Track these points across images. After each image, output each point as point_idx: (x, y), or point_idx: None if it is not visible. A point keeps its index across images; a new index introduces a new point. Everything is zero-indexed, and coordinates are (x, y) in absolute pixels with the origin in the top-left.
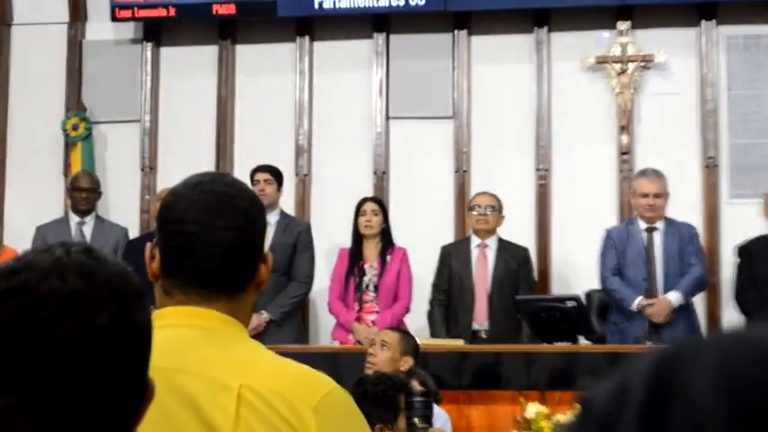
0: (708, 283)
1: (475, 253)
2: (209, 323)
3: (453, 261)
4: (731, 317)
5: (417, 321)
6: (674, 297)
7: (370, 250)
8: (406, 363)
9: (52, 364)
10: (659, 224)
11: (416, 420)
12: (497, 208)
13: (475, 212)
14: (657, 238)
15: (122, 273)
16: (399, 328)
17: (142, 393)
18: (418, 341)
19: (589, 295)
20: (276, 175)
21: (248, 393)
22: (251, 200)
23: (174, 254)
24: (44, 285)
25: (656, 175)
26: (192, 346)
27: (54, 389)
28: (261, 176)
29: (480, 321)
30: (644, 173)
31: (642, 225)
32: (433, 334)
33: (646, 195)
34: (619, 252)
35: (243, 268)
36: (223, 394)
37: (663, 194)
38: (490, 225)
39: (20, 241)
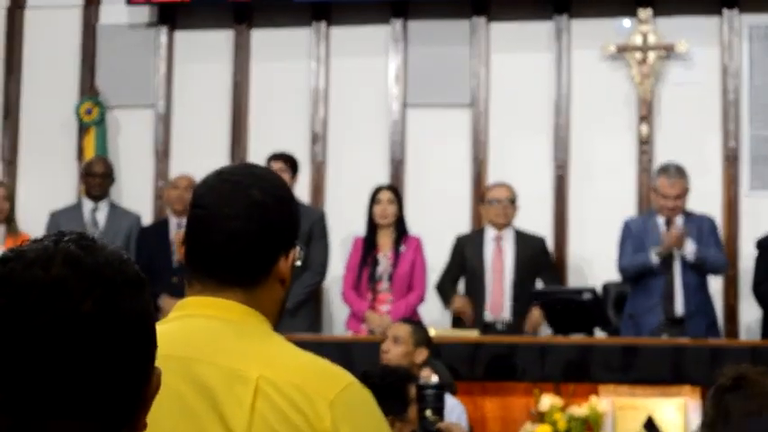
0: (726, 268)
1: (491, 245)
2: (230, 314)
3: (467, 252)
4: (749, 310)
5: (433, 312)
6: (690, 244)
7: (385, 239)
8: (421, 354)
9: (34, 355)
10: (678, 218)
11: (428, 412)
12: (514, 200)
13: (494, 206)
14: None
15: (112, 261)
16: (410, 319)
17: (142, 382)
18: (433, 332)
19: (606, 287)
20: (291, 162)
21: (265, 385)
22: (270, 192)
23: (189, 240)
24: (27, 274)
25: (679, 175)
26: (212, 337)
27: (38, 380)
28: (275, 165)
29: (497, 313)
30: (666, 171)
31: (661, 219)
32: (445, 301)
33: (666, 197)
34: (637, 244)
35: (252, 260)
36: (240, 385)
37: (683, 194)
38: (509, 218)
39: (35, 227)
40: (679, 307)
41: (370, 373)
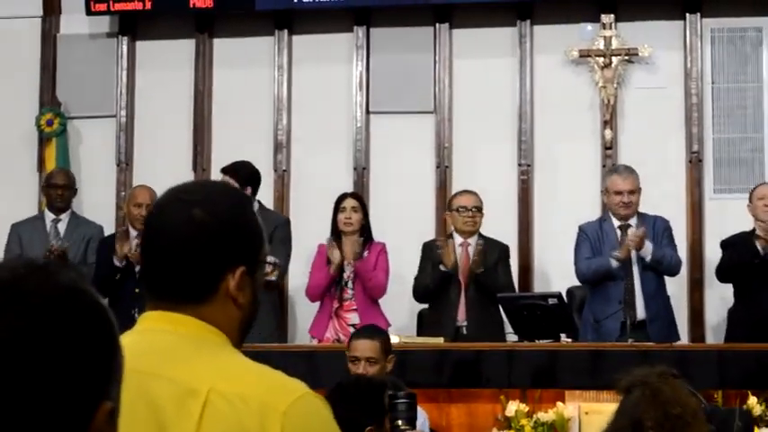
0: (679, 267)
1: (458, 251)
2: (186, 329)
3: (435, 258)
4: (715, 313)
5: (400, 320)
6: (647, 244)
7: (350, 247)
8: (390, 362)
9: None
10: (632, 220)
11: (400, 422)
12: (481, 207)
13: (461, 214)
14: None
15: (71, 291)
16: (374, 329)
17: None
18: (399, 339)
19: (571, 292)
20: (238, 174)
21: (216, 397)
22: (215, 211)
23: (141, 257)
24: None
25: (629, 171)
26: (168, 351)
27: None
28: (224, 177)
29: (461, 318)
30: (616, 170)
31: (615, 222)
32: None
33: (620, 193)
34: (594, 249)
35: (192, 278)
36: (190, 398)
37: (636, 191)
38: (477, 226)
39: None
40: (640, 311)
41: (346, 383)
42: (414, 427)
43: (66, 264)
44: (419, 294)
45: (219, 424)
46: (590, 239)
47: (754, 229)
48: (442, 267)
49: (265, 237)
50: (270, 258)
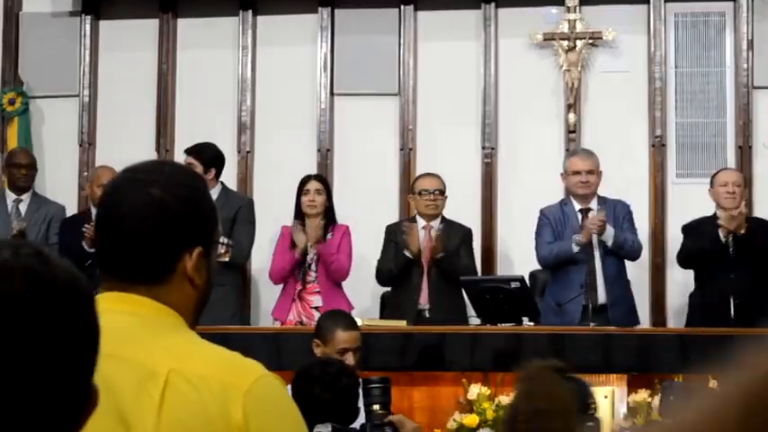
0: (639, 251)
1: (421, 234)
2: (142, 310)
3: (399, 240)
4: (676, 298)
5: (363, 303)
6: (609, 228)
7: (313, 229)
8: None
9: None
10: (593, 204)
11: (375, 407)
12: (444, 190)
13: (423, 197)
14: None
15: (71, 278)
16: (351, 318)
17: (86, 399)
18: (361, 322)
19: (533, 275)
20: (204, 157)
21: (176, 378)
22: (171, 191)
23: (96, 238)
24: None
25: (588, 153)
26: (126, 332)
27: None
28: (186, 159)
29: (424, 302)
30: (574, 152)
31: (577, 206)
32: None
33: (578, 173)
34: (555, 233)
35: (149, 257)
36: (150, 380)
37: (596, 172)
38: (439, 209)
39: None
40: (601, 295)
41: (317, 373)
42: (389, 411)
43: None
44: (382, 278)
45: (181, 405)
46: (551, 223)
47: (715, 215)
48: (406, 252)
49: (219, 218)
50: (223, 239)
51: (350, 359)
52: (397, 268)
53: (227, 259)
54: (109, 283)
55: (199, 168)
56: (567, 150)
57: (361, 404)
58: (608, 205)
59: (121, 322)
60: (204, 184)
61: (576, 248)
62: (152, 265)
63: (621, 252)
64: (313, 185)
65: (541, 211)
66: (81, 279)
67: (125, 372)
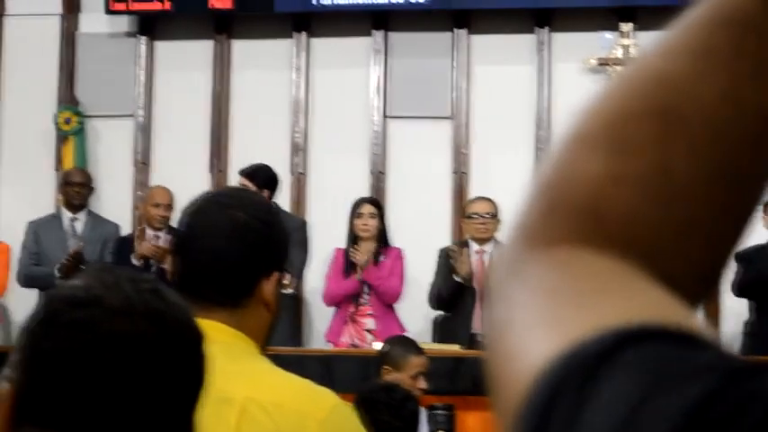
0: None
1: (474, 259)
2: (217, 336)
3: (451, 266)
4: (730, 326)
5: (416, 325)
6: None
7: (365, 251)
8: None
9: (108, 404)
10: None
11: None
12: (496, 214)
13: (474, 221)
14: None
15: (188, 317)
16: (410, 339)
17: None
18: None
19: None
20: (256, 176)
21: (252, 406)
22: (254, 215)
23: (175, 260)
24: (112, 324)
25: None
26: None
27: (103, 426)
28: (241, 181)
29: (478, 326)
30: None
31: None
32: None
33: None
34: None
35: (234, 281)
36: (225, 406)
37: None
38: (490, 233)
39: (11, 236)
40: None
41: (385, 397)
42: None
43: (83, 263)
44: (434, 302)
45: None
46: None
47: None
48: (455, 277)
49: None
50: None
51: (422, 383)
52: (447, 292)
53: (291, 290)
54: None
55: (253, 190)
56: None
57: (424, 429)
58: None
59: None
60: (278, 210)
61: None
62: (234, 288)
63: None
64: (367, 209)
65: None
66: (193, 316)
67: (203, 399)
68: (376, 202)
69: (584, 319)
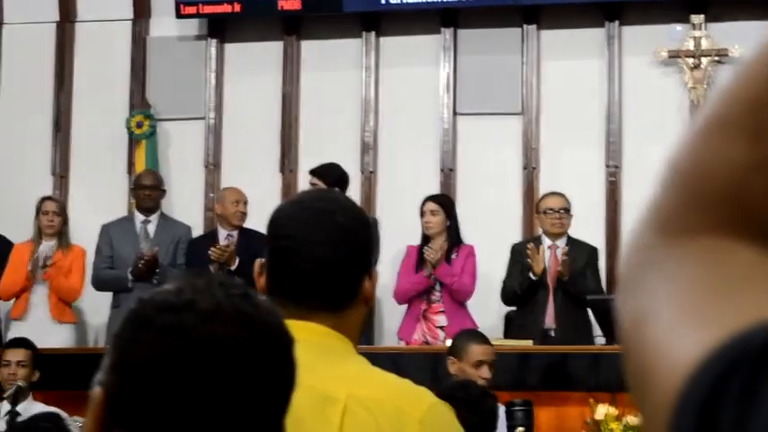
0: None
1: (547, 254)
2: (314, 337)
3: (525, 261)
4: None
5: (486, 321)
6: None
7: (435, 251)
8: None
9: (199, 408)
10: None
11: (520, 430)
12: (569, 209)
13: (549, 216)
14: None
15: (278, 321)
16: (484, 335)
17: None
18: None
19: None
20: (327, 175)
21: (354, 404)
22: (353, 216)
23: (274, 269)
24: (203, 329)
25: None
26: (301, 359)
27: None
28: (311, 180)
29: (549, 322)
30: None
31: None
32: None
33: None
34: None
35: (341, 284)
36: (329, 405)
37: None
38: (565, 228)
39: (85, 239)
40: None
41: (463, 395)
42: None
43: (157, 266)
44: (507, 298)
45: (360, 430)
46: None
47: None
48: (530, 275)
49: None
50: None
51: (485, 372)
52: (521, 289)
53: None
54: (287, 312)
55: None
56: None
57: (502, 425)
58: None
59: (298, 350)
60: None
61: None
62: (342, 291)
63: None
64: (428, 206)
65: None
66: (283, 320)
67: (304, 397)
68: (439, 199)
69: (737, 311)
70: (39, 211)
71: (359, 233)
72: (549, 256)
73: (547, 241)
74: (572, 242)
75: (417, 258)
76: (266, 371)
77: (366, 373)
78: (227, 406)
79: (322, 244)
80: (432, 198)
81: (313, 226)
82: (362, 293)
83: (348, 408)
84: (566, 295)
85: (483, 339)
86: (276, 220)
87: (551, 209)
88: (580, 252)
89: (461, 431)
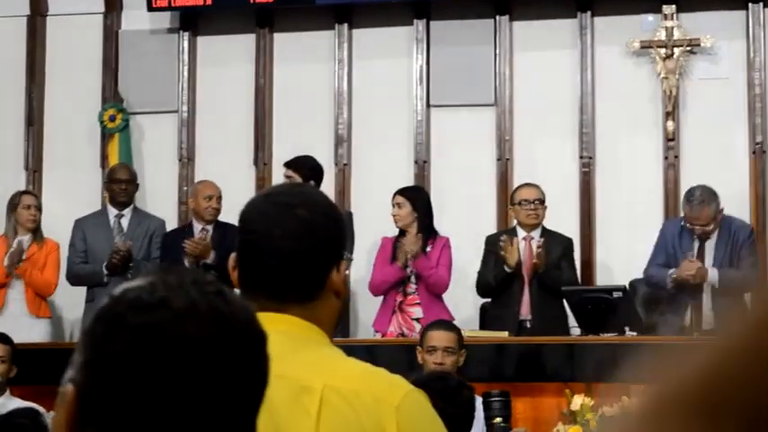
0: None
1: (522, 245)
2: (289, 328)
3: (499, 252)
4: None
5: (463, 314)
6: (712, 271)
7: (409, 244)
8: (462, 356)
9: (173, 407)
10: (709, 242)
11: (498, 420)
12: (544, 200)
13: (524, 207)
14: (710, 245)
15: (251, 318)
16: (449, 322)
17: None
18: (462, 333)
19: (634, 285)
20: (301, 168)
21: (331, 394)
22: (316, 209)
23: (242, 263)
24: (178, 328)
25: (702, 201)
26: (276, 350)
27: (167, 430)
28: (286, 172)
29: (525, 313)
30: (690, 196)
31: (697, 230)
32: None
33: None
34: (669, 253)
35: (306, 277)
36: (305, 395)
37: (713, 220)
38: (540, 219)
39: (58, 234)
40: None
41: (439, 385)
42: (509, 424)
43: (132, 261)
44: (482, 290)
45: (337, 420)
46: (666, 243)
47: None
48: (505, 268)
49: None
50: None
51: (437, 358)
52: (495, 281)
53: (347, 272)
54: (259, 305)
55: (298, 181)
56: (665, 158)
57: (480, 416)
58: (723, 227)
59: (272, 341)
60: (333, 202)
61: (670, 285)
62: (307, 284)
63: (730, 291)
64: (396, 199)
65: (663, 225)
66: (256, 317)
67: (280, 388)
68: (405, 192)
69: None
70: (16, 205)
71: (321, 226)
72: (525, 247)
73: (521, 233)
74: (547, 233)
75: (392, 250)
76: (240, 369)
77: (341, 362)
78: (200, 405)
79: (283, 237)
80: (399, 191)
81: (275, 220)
82: (331, 285)
83: (325, 398)
84: (541, 287)
85: (440, 326)
86: (244, 213)
87: (526, 200)
88: (555, 243)
89: (437, 417)
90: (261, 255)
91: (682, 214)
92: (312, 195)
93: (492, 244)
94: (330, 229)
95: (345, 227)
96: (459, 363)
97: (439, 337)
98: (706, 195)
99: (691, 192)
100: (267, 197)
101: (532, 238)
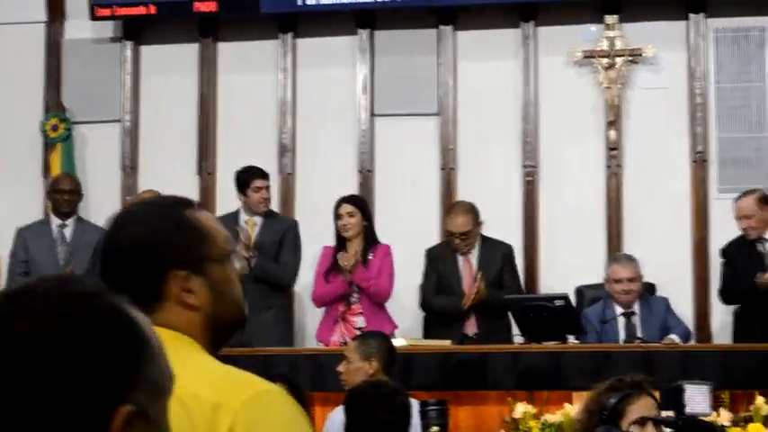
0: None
1: (461, 259)
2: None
3: (440, 266)
4: (721, 312)
5: (405, 321)
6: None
7: (353, 250)
8: (372, 366)
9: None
10: (635, 307)
11: (434, 429)
12: (470, 230)
13: (454, 238)
14: (636, 320)
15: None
16: (367, 333)
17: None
18: (405, 342)
19: (580, 291)
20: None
21: (171, 400)
22: (137, 228)
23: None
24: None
25: (629, 259)
26: None
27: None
28: (346, 207)
29: (471, 329)
30: (616, 259)
31: (619, 309)
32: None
33: (619, 281)
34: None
35: (136, 288)
36: None
37: (637, 278)
38: (472, 247)
39: (1, 244)
40: None
41: (374, 392)
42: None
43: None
44: (426, 310)
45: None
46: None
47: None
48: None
49: (214, 234)
50: (243, 253)
51: (341, 367)
52: (440, 312)
53: (245, 272)
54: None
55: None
56: (608, 167)
57: (417, 425)
58: (647, 306)
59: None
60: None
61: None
62: (139, 295)
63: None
64: (344, 209)
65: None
66: (100, 296)
67: None
68: (354, 201)
69: None
70: None
71: (137, 243)
72: (464, 266)
73: (460, 259)
74: (485, 241)
75: (333, 260)
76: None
77: (192, 367)
78: (43, 409)
79: (107, 255)
80: (347, 200)
81: (108, 237)
82: (174, 296)
83: None
84: (485, 310)
85: (357, 336)
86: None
87: (452, 233)
88: (494, 254)
89: (294, 419)
90: (102, 263)
91: None
92: (143, 213)
93: (433, 259)
94: (151, 245)
95: (184, 236)
96: (368, 372)
97: (348, 348)
98: (630, 257)
99: (615, 255)
100: (120, 211)
101: (472, 265)
